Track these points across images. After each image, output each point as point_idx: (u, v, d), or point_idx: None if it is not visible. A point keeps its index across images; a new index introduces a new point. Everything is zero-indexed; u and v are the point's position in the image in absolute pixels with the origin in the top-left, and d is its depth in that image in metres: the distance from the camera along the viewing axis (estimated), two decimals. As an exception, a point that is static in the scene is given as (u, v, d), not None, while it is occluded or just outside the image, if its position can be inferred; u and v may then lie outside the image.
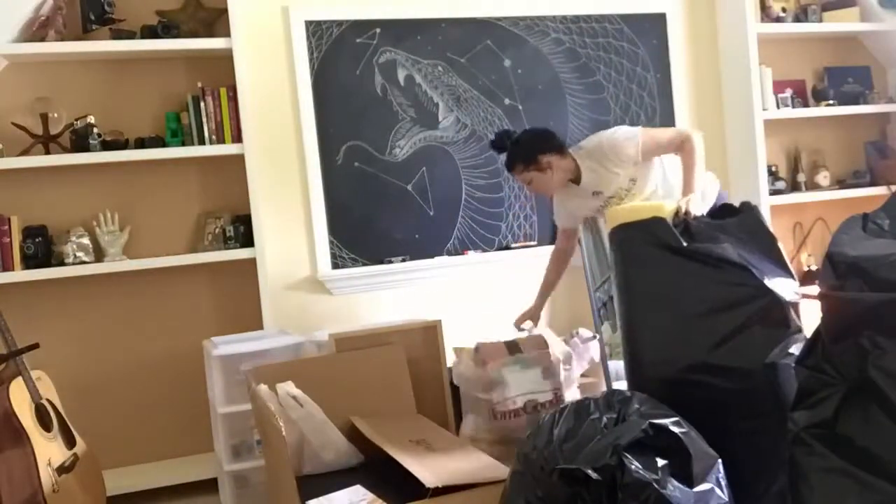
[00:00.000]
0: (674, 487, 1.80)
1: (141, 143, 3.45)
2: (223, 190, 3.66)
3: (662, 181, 3.15)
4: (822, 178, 4.54)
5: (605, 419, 1.95)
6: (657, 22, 4.35)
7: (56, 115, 3.42)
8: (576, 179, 3.15)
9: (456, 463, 2.31)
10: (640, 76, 4.32)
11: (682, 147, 3.01)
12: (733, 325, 2.25)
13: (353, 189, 3.87)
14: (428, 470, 2.19)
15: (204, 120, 3.50)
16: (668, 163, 3.16)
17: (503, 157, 3.16)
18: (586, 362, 4.02)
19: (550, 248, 4.12)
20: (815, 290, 2.30)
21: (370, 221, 3.90)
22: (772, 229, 3.00)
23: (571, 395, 3.23)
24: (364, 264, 3.87)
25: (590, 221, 4.04)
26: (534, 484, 1.91)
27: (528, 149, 3.09)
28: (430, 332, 3.19)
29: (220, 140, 3.52)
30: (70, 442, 2.96)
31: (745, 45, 4.23)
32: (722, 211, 2.78)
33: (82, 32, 3.42)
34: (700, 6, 4.43)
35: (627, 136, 3.06)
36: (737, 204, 3.20)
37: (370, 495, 2.30)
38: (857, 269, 1.88)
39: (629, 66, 4.30)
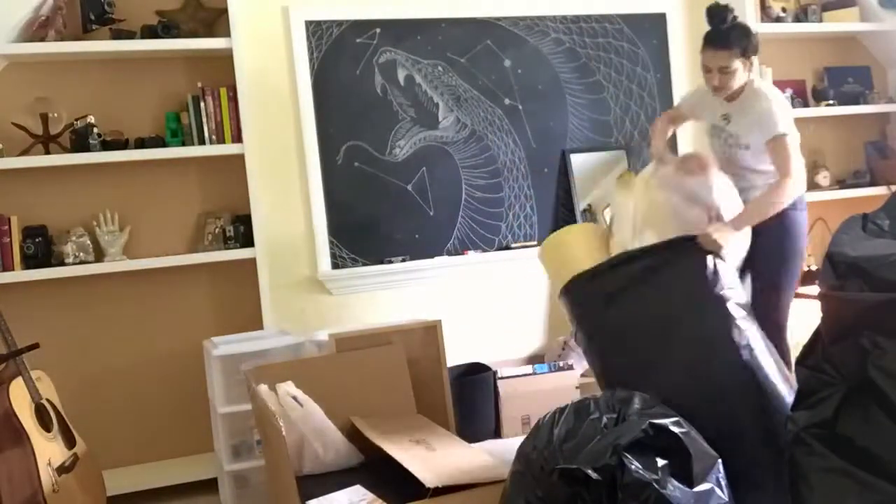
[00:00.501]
0: (674, 487, 1.80)
1: (141, 143, 3.45)
2: (223, 190, 3.66)
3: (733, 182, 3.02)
4: (822, 178, 4.53)
5: (605, 419, 1.95)
6: (657, 22, 4.35)
7: (56, 115, 3.41)
8: (733, 96, 3.04)
9: (456, 463, 2.31)
10: (640, 76, 4.32)
11: (782, 177, 2.90)
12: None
13: (353, 189, 3.87)
14: (428, 470, 2.19)
15: (204, 120, 3.50)
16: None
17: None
18: (586, 362, 4.02)
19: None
20: (815, 290, 2.31)
21: (370, 221, 3.90)
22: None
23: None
24: (364, 264, 3.87)
25: (590, 220, 4.05)
26: (534, 484, 1.91)
27: (749, 40, 2.95)
28: (430, 332, 3.19)
29: (220, 140, 3.52)
30: (70, 442, 2.96)
31: (745, 45, 4.22)
32: None
33: (82, 32, 3.42)
34: (700, 6, 4.38)
35: (784, 125, 2.92)
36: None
37: (370, 495, 2.30)
38: (857, 269, 1.88)
39: (629, 66, 4.30)
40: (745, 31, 2.98)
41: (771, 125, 2.92)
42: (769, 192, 2.92)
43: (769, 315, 3.00)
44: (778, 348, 2.92)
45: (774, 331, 2.97)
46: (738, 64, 2.94)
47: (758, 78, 3.08)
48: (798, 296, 4.30)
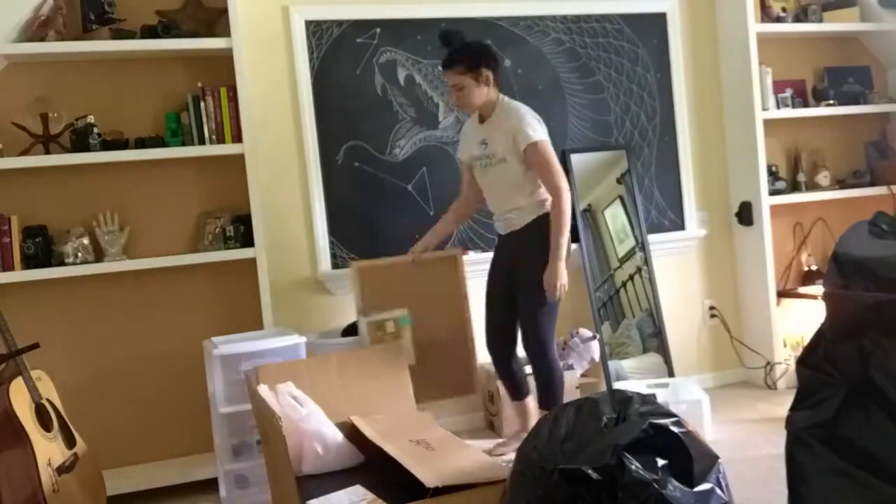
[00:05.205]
0: (674, 487, 1.79)
1: (141, 143, 3.45)
2: (223, 190, 3.65)
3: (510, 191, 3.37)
4: (822, 178, 4.54)
5: (605, 419, 1.95)
6: (657, 22, 4.35)
7: (56, 115, 3.41)
8: (484, 117, 3.37)
9: (456, 463, 2.30)
10: (640, 76, 4.32)
11: (556, 195, 3.23)
12: None
13: (353, 189, 3.87)
14: (428, 470, 2.19)
15: (204, 120, 3.50)
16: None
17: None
18: (586, 362, 4.03)
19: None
20: (817, 289, 2.31)
21: (370, 221, 3.89)
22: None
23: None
24: (364, 264, 3.87)
25: (589, 220, 4.04)
26: (534, 484, 1.91)
27: (477, 54, 3.28)
28: (451, 263, 3.65)
29: (220, 140, 3.52)
30: (70, 442, 2.96)
31: (746, 45, 4.23)
32: None
33: (82, 32, 3.42)
34: (700, 6, 4.43)
35: (536, 130, 3.25)
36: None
37: (370, 495, 2.29)
38: (862, 269, 1.88)
39: (629, 66, 4.30)
40: (471, 50, 3.31)
41: (525, 128, 3.25)
42: (556, 222, 3.23)
43: (532, 333, 3.34)
44: (542, 366, 3.30)
45: (538, 352, 3.34)
46: (468, 80, 3.27)
47: (506, 97, 3.39)
48: (800, 296, 4.32)
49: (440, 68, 3.37)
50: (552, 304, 3.30)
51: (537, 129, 3.27)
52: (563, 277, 3.19)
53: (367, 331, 3.21)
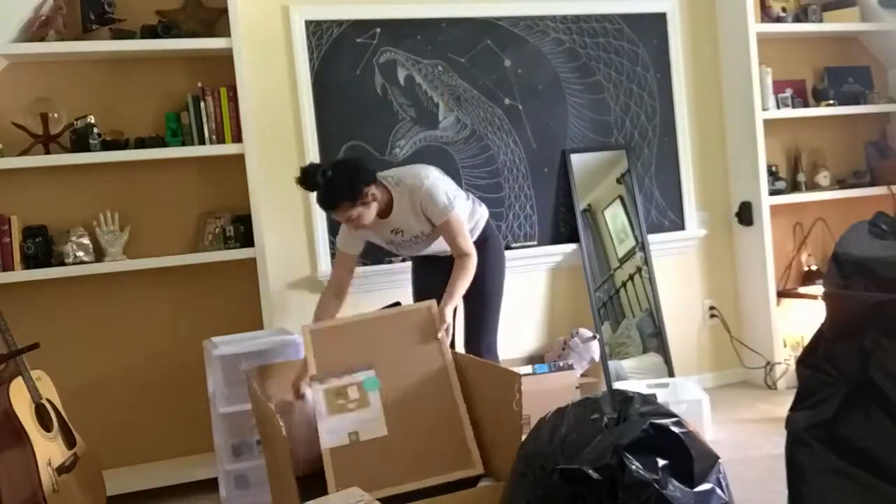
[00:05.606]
0: (674, 487, 1.79)
1: (141, 143, 3.45)
2: (223, 190, 3.66)
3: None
4: (822, 177, 4.54)
5: (605, 419, 1.94)
6: (657, 22, 4.35)
7: (56, 115, 3.41)
8: (385, 212, 3.00)
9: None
10: (640, 76, 4.32)
11: (463, 258, 3.01)
12: None
13: (353, 189, 3.86)
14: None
15: (204, 120, 3.50)
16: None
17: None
18: (586, 362, 4.03)
19: (550, 247, 4.15)
20: (817, 289, 2.31)
21: (370, 221, 3.89)
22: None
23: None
24: (364, 264, 3.86)
25: (589, 220, 4.03)
26: (534, 484, 1.91)
27: (350, 183, 2.82)
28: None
29: (220, 140, 3.52)
30: (70, 442, 2.96)
31: (746, 45, 4.23)
32: None
33: (82, 32, 3.42)
34: (700, 6, 4.43)
35: (444, 203, 2.97)
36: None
37: (367, 496, 2.29)
38: (862, 269, 1.88)
39: (629, 66, 4.30)
40: (345, 181, 2.81)
41: (433, 204, 2.97)
42: (457, 275, 2.96)
43: (481, 335, 3.24)
44: None
45: (485, 350, 3.22)
46: (359, 209, 2.85)
47: (395, 179, 3.01)
48: (800, 296, 4.33)
49: (324, 210, 2.92)
50: (495, 308, 3.26)
51: (450, 200, 2.99)
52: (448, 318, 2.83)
53: (325, 400, 2.53)
